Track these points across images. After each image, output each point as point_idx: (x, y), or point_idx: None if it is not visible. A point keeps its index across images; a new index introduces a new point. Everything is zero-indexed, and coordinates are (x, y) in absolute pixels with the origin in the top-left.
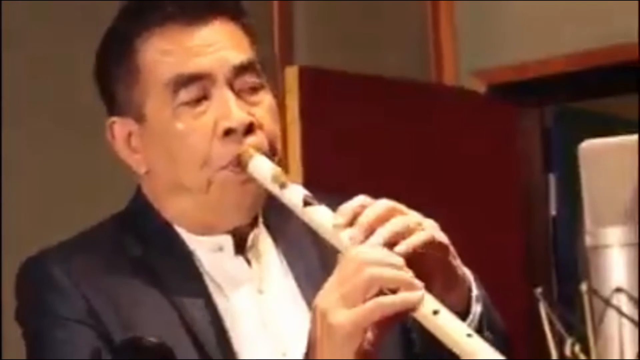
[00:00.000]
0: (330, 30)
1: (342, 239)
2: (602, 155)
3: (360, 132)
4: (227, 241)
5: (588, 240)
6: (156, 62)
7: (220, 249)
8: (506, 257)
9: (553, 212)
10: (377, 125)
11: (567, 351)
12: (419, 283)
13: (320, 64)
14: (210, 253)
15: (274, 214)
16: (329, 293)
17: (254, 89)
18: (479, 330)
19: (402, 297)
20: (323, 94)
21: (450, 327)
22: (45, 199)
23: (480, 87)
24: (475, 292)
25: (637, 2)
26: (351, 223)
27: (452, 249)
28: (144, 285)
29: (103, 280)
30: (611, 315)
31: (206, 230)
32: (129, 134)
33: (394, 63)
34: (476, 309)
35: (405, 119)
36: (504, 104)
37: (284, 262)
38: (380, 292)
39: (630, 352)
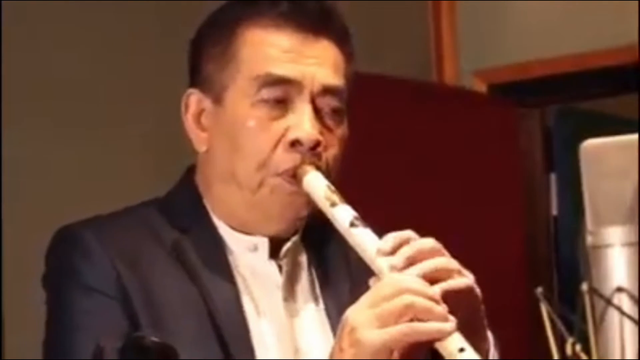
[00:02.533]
0: None
1: (381, 264)
2: (603, 155)
3: (360, 131)
4: (263, 243)
5: (589, 240)
6: (253, 54)
7: (255, 249)
8: (507, 257)
9: (554, 211)
10: (379, 125)
11: (568, 350)
12: (452, 318)
13: None
14: (245, 251)
15: (315, 235)
16: (362, 310)
17: (334, 114)
18: None
19: (437, 327)
20: None
21: None
22: (45, 199)
23: (481, 87)
24: (492, 357)
25: (637, 3)
26: (394, 252)
27: (482, 307)
28: (175, 270)
29: (135, 259)
30: (612, 315)
31: (245, 228)
32: (202, 110)
33: (395, 62)
34: None
35: (406, 118)
36: (505, 104)
37: (314, 278)
38: (411, 321)
39: (631, 351)
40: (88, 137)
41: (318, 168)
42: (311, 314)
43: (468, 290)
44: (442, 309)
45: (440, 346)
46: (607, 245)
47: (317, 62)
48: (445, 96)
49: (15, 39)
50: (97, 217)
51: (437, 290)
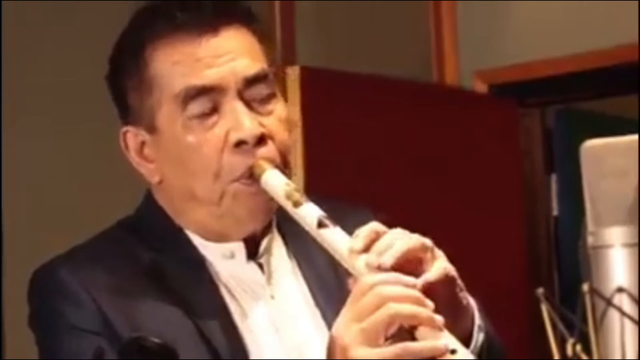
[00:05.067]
0: (333, 30)
1: (358, 264)
2: (603, 156)
3: (362, 133)
4: (239, 248)
5: (590, 240)
6: (167, 73)
7: (232, 255)
8: (508, 258)
9: (555, 212)
10: (379, 125)
11: (569, 351)
12: (440, 320)
13: (323, 65)
14: (222, 259)
15: (288, 223)
16: (348, 325)
17: (265, 99)
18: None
19: (430, 346)
20: (325, 94)
21: None
22: (46, 198)
23: (482, 87)
24: (477, 322)
25: (637, 3)
26: (367, 248)
27: (459, 281)
28: (156, 292)
29: (115, 287)
30: (613, 315)
31: (219, 237)
32: (142, 143)
33: (396, 63)
34: (478, 338)
35: (407, 119)
36: (505, 104)
37: (295, 266)
38: (400, 326)
39: (631, 351)
40: (89, 137)
41: (272, 162)
42: (300, 307)
43: (444, 275)
44: (428, 312)
45: None
46: (608, 246)
47: (230, 57)
48: (445, 96)
49: (16, 39)
50: (72, 250)
51: (418, 285)
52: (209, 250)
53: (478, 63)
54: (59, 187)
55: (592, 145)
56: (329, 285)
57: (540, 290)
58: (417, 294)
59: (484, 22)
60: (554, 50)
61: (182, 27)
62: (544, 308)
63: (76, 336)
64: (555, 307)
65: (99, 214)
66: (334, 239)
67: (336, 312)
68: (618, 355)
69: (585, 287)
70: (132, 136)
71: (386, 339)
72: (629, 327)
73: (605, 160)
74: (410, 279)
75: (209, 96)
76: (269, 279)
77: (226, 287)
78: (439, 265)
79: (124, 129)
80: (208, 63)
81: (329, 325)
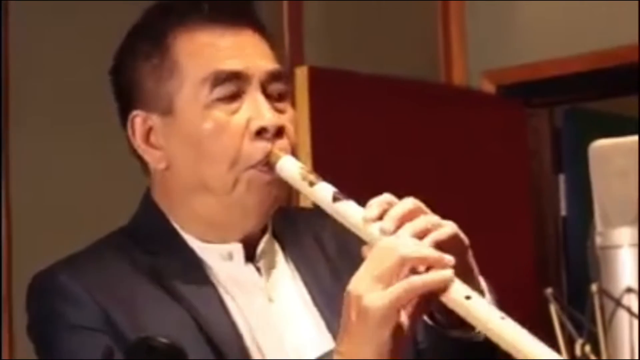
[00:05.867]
0: (341, 30)
1: (372, 231)
2: (611, 156)
3: (370, 133)
4: (238, 249)
5: (598, 241)
6: (193, 58)
7: (230, 257)
8: (516, 258)
9: (563, 212)
10: (387, 125)
11: (578, 351)
12: (449, 258)
13: (331, 65)
14: (221, 261)
15: (282, 224)
16: (362, 278)
17: (281, 97)
18: None
19: (434, 275)
20: (333, 94)
21: (483, 311)
22: (53, 198)
23: (490, 88)
24: (488, 296)
25: (638, 3)
26: (380, 217)
27: (470, 251)
28: (157, 293)
29: (117, 289)
30: (621, 316)
31: (217, 236)
32: (149, 129)
33: (404, 63)
34: None
35: (414, 119)
36: (513, 104)
37: (293, 270)
38: (414, 274)
39: None
40: (95, 137)
41: (286, 152)
42: (299, 309)
43: (455, 238)
44: (436, 252)
45: (446, 298)
46: (617, 246)
47: (253, 52)
48: (453, 97)
49: (22, 40)
50: (70, 257)
51: (428, 243)
52: (207, 252)
53: (486, 63)
54: (66, 187)
55: (600, 145)
56: (328, 289)
57: (549, 291)
58: (427, 246)
59: (492, 23)
60: (562, 50)
61: (209, 19)
62: (553, 308)
63: (75, 334)
64: (563, 307)
65: (107, 214)
66: (349, 210)
67: (336, 315)
68: (627, 356)
69: (594, 287)
70: (141, 121)
71: None
72: (638, 327)
73: (614, 160)
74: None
75: (234, 83)
76: (267, 281)
77: (225, 288)
78: (450, 228)
79: (133, 113)
80: (234, 52)
81: (329, 328)
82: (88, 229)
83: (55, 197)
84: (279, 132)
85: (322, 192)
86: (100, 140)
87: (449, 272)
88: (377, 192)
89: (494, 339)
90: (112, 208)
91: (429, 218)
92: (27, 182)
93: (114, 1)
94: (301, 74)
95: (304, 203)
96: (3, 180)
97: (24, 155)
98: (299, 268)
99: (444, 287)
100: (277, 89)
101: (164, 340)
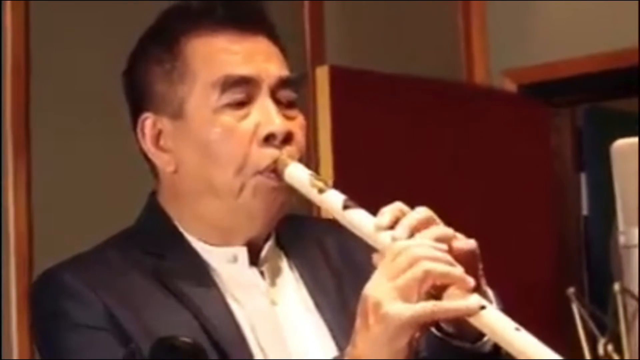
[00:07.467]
0: (361, 30)
1: (384, 239)
2: (634, 155)
3: (391, 132)
4: (242, 252)
5: (621, 240)
6: (205, 62)
7: (235, 259)
8: (538, 257)
9: (585, 211)
10: (408, 125)
11: (600, 350)
12: (470, 280)
13: (351, 64)
14: (225, 263)
15: (287, 231)
16: (381, 284)
17: (291, 104)
18: (496, 346)
19: (465, 305)
20: (354, 94)
21: (498, 323)
22: (73, 198)
23: (512, 87)
24: (496, 307)
25: None
26: (392, 225)
27: (481, 265)
28: (162, 295)
29: (121, 290)
30: None
31: (222, 239)
32: (159, 132)
33: (425, 63)
34: None
35: (436, 118)
36: (535, 104)
37: (297, 277)
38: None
39: None
40: (119, 136)
41: (294, 159)
42: (303, 313)
43: (470, 252)
44: (460, 272)
45: None
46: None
47: (264, 58)
48: (475, 96)
49: (44, 39)
50: (75, 257)
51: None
52: (211, 255)
53: (507, 62)
54: (87, 186)
55: (622, 144)
56: (332, 297)
57: (571, 290)
58: (449, 257)
59: (514, 22)
60: (584, 49)
61: (223, 23)
62: (575, 308)
63: (78, 332)
64: (586, 306)
65: (130, 213)
66: (360, 218)
67: (339, 323)
68: None
69: (616, 286)
70: (151, 124)
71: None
72: None
73: (636, 159)
74: (441, 245)
75: (244, 88)
76: (270, 285)
77: (229, 290)
78: (467, 240)
79: (144, 115)
80: (246, 58)
81: (332, 335)
82: (111, 228)
83: (78, 196)
84: (288, 138)
85: (332, 200)
86: (124, 138)
87: (476, 304)
88: (399, 191)
89: (508, 349)
90: (135, 207)
91: (444, 229)
92: (49, 182)
93: (135, 1)
94: (322, 74)
95: (325, 214)
96: (24, 181)
97: (45, 156)
98: (302, 275)
99: (468, 314)
100: (286, 95)
101: (187, 340)
